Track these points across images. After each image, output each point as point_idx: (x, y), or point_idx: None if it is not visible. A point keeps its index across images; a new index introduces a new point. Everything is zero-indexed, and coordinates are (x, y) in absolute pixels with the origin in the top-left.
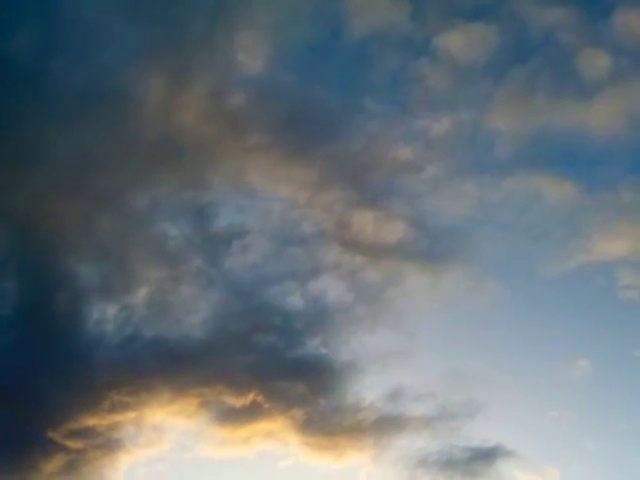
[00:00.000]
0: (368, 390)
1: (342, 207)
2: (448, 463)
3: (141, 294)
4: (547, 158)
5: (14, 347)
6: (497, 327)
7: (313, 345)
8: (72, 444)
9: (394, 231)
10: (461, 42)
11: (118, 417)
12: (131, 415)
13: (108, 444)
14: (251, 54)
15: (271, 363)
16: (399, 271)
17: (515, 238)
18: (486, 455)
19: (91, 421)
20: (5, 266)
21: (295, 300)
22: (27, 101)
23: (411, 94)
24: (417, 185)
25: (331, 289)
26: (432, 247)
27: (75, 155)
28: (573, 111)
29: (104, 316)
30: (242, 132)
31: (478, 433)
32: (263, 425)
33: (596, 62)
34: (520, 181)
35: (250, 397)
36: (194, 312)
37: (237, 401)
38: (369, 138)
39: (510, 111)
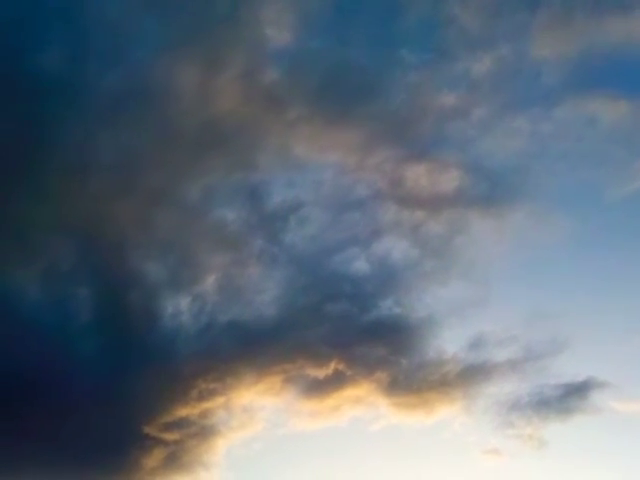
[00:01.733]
0: (449, 342)
1: (393, 164)
2: (541, 403)
3: (210, 282)
4: (597, 79)
5: (99, 351)
6: (570, 260)
7: (386, 306)
8: (168, 436)
9: (450, 180)
10: None
11: (208, 404)
12: (220, 400)
13: (203, 431)
14: (278, 27)
15: (347, 330)
16: (462, 219)
17: (575, 167)
18: (579, 390)
19: (183, 412)
20: (77, 274)
21: (361, 265)
22: (67, 110)
23: (446, 37)
24: (466, 129)
25: (395, 248)
26: (492, 190)
27: (123, 156)
28: (617, 26)
29: (178, 308)
30: (282, 106)
31: (567, 369)
32: (349, 392)
33: None
34: (572, 108)
35: (332, 366)
36: (263, 292)
37: (320, 372)
38: (410, 90)
39: (551, 37)
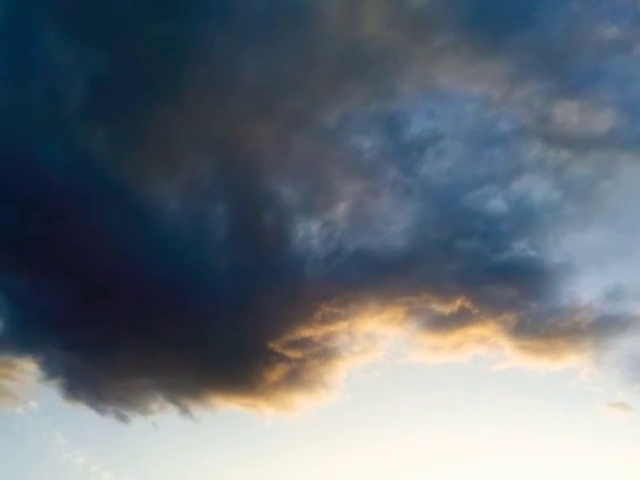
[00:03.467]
0: (584, 291)
1: (542, 100)
2: None
3: (341, 209)
4: None
5: (232, 267)
6: None
7: (520, 248)
8: (291, 354)
9: (603, 120)
10: None
11: (331, 328)
12: (343, 325)
13: (325, 353)
14: None
15: (476, 269)
16: (612, 163)
17: None
18: None
19: (306, 332)
20: (214, 191)
21: (497, 203)
22: (214, 28)
23: None
24: (628, 66)
25: (536, 188)
26: None
27: (265, 76)
28: None
29: (308, 233)
30: (428, 33)
31: None
32: (474, 331)
33: None
34: None
35: (458, 303)
36: (394, 222)
37: (445, 308)
38: (569, 20)
39: None
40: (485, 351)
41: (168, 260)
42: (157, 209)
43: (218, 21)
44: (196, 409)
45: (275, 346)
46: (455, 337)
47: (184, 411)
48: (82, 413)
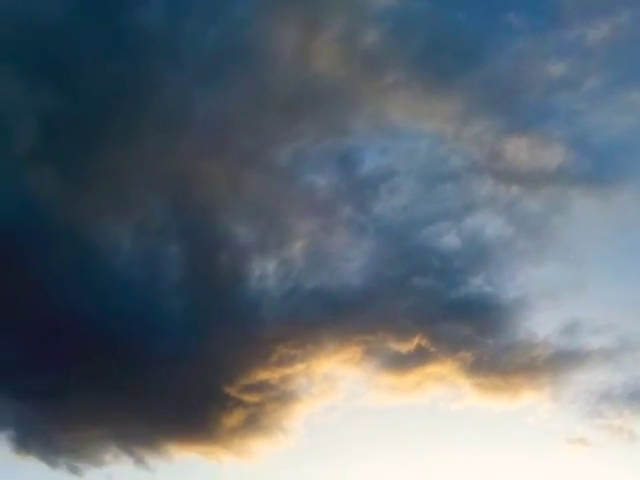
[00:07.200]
0: (540, 326)
1: (493, 136)
2: (634, 396)
3: (297, 247)
4: None
5: (186, 310)
6: None
7: (475, 284)
8: (249, 398)
9: (553, 155)
10: None
11: (288, 370)
12: (300, 367)
13: (283, 396)
14: None
15: (433, 306)
16: (562, 198)
17: None
18: None
19: (263, 375)
20: (167, 232)
21: (451, 239)
22: (165, 66)
23: (560, 1)
24: (575, 102)
25: (489, 224)
26: (598, 168)
27: (217, 115)
28: None
29: (264, 272)
30: (380, 70)
31: None
32: (431, 369)
33: None
34: None
35: (415, 342)
36: (350, 260)
37: (402, 347)
38: (517, 58)
39: None
40: (443, 390)
41: (120, 303)
42: (109, 250)
43: (169, 60)
44: (151, 458)
45: (231, 390)
46: (413, 376)
47: (139, 461)
48: (33, 467)
